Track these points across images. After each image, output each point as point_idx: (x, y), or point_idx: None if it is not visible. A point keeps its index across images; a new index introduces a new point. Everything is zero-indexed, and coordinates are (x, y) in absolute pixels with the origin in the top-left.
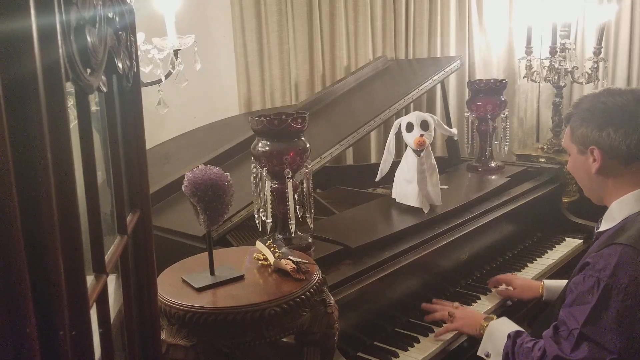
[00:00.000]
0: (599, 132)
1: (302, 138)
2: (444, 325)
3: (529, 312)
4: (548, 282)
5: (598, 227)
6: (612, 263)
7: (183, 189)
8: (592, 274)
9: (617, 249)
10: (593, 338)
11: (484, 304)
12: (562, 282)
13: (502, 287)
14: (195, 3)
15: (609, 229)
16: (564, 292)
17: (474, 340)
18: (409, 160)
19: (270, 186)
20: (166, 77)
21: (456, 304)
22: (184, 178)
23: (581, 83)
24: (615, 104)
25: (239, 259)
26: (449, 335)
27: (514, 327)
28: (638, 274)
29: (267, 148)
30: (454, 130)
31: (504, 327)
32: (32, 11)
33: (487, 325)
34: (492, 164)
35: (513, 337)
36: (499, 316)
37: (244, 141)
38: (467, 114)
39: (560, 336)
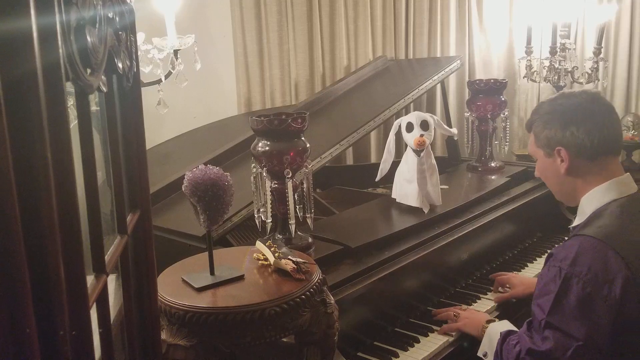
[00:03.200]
0: (562, 132)
1: (302, 138)
2: (448, 323)
3: (527, 314)
4: None
5: (572, 223)
6: (572, 252)
7: (183, 189)
8: (554, 264)
9: (578, 240)
10: (558, 326)
11: (484, 304)
12: None
13: (500, 289)
14: (195, 3)
15: (580, 223)
16: None
17: (474, 341)
18: (409, 160)
19: (270, 186)
20: (166, 77)
21: (464, 306)
22: (184, 178)
23: (581, 83)
24: (573, 104)
25: (239, 259)
26: (452, 333)
27: (511, 328)
28: (596, 262)
29: (267, 148)
30: (454, 130)
31: (501, 328)
32: (32, 11)
33: (487, 327)
34: (492, 164)
35: (504, 336)
36: (500, 316)
37: (244, 141)
38: (467, 114)
39: (532, 329)
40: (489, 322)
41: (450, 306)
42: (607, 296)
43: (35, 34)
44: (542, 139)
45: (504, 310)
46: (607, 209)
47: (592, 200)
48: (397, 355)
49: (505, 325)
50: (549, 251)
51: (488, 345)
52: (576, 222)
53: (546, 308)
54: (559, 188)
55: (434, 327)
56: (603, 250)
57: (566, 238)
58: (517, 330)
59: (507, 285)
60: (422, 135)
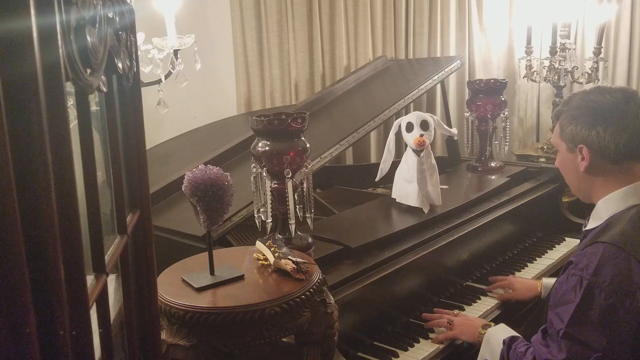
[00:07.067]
0: (588, 130)
1: (302, 138)
2: (443, 331)
3: (527, 312)
4: (546, 280)
5: (585, 226)
6: (594, 261)
7: (183, 189)
8: (575, 273)
9: (599, 248)
10: (578, 337)
11: (484, 304)
12: None
13: (501, 291)
14: (195, 3)
15: (595, 227)
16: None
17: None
18: (409, 160)
19: (270, 186)
20: (166, 77)
21: (456, 311)
22: (184, 178)
23: (581, 83)
24: (605, 103)
25: (239, 259)
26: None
27: (510, 333)
28: (620, 272)
29: (267, 148)
30: (454, 130)
31: (500, 334)
32: (32, 11)
33: (484, 333)
34: (492, 164)
35: (508, 343)
36: (499, 318)
37: (244, 141)
38: (467, 114)
39: (548, 338)
40: (485, 327)
41: (448, 307)
42: (630, 307)
43: (35, 34)
44: (567, 133)
45: (504, 311)
46: (627, 215)
47: (609, 205)
48: (397, 355)
49: (503, 329)
50: (548, 251)
51: (488, 352)
52: (591, 225)
53: (565, 318)
54: (576, 184)
55: (435, 327)
56: (626, 260)
57: (566, 238)
58: (518, 335)
59: (510, 290)
60: (422, 135)
